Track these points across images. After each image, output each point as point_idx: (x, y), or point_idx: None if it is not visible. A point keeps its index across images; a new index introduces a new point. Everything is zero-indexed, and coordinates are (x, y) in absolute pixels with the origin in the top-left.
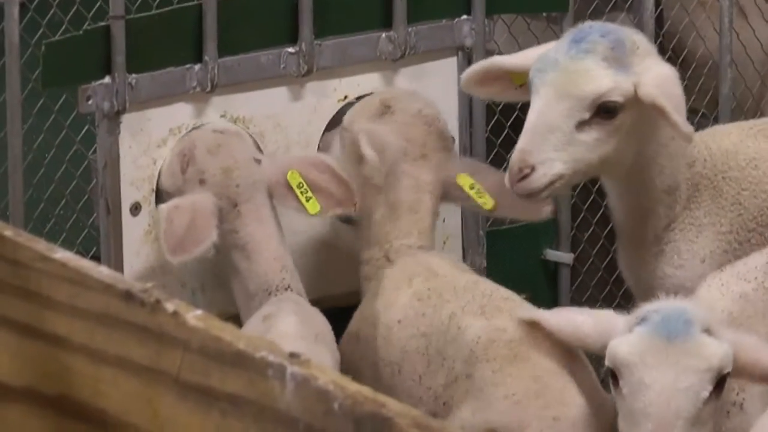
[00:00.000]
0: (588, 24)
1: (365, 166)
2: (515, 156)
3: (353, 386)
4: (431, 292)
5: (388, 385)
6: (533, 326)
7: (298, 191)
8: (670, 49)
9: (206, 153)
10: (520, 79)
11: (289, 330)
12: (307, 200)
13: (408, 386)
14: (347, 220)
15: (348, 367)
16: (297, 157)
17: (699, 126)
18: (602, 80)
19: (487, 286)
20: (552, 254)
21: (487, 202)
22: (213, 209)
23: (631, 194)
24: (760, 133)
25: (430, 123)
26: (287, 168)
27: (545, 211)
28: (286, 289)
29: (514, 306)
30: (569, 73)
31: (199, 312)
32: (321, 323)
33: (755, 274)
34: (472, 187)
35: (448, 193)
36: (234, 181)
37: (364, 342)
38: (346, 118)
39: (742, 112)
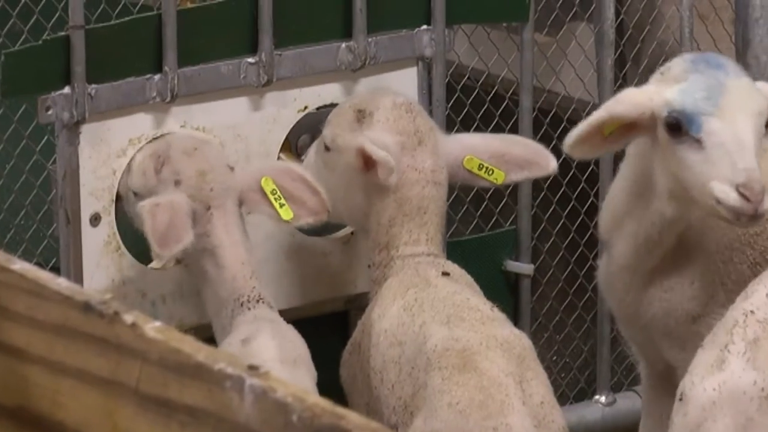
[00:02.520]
0: (689, 55)
1: (378, 170)
2: (751, 175)
3: (312, 398)
4: (416, 302)
5: (376, 395)
6: None
7: (271, 197)
8: (630, 58)
9: (182, 154)
10: (611, 128)
11: (269, 355)
12: (281, 206)
13: (385, 395)
14: (311, 232)
15: (347, 377)
16: (270, 164)
17: None
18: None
19: (462, 297)
20: (512, 265)
21: (497, 176)
22: (188, 210)
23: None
24: None
25: (409, 109)
26: (261, 175)
27: (552, 167)
28: (258, 301)
29: (478, 317)
30: (745, 92)
31: (158, 324)
32: (299, 345)
33: None
34: (480, 168)
35: (454, 175)
36: (208, 185)
37: (363, 351)
38: (327, 135)
39: None
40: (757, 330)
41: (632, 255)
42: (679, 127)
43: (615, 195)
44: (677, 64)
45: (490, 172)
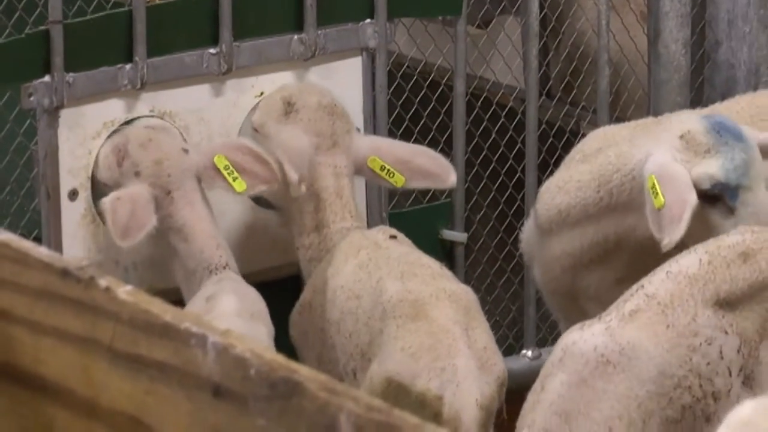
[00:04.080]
0: (706, 121)
1: (290, 187)
2: None
3: (268, 354)
4: (371, 261)
5: (331, 344)
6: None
7: (225, 172)
8: (553, 48)
9: (139, 147)
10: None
11: (229, 309)
12: (234, 180)
13: (342, 343)
14: (264, 204)
15: (297, 334)
16: (221, 142)
17: (580, 117)
18: None
19: (415, 256)
20: (448, 234)
21: (397, 180)
22: (149, 198)
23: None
24: None
25: (331, 112)
26: (213, 153)
27: (450, 180)
28: (224, 267)
29: (429, 272)
30: (759, 161)
31: (129, 287)
32: (257, 301)
33: None
34: (382, 169)
35: (360, 171)
36: (166, 171)
37: (315, 308)
38: (256, 120)
39: (619, 105)
40: (641, 303)
41: (579, 249)
42: (717, 197)
43: (569, 193)
44: (701, 134)
45: (391, 174)
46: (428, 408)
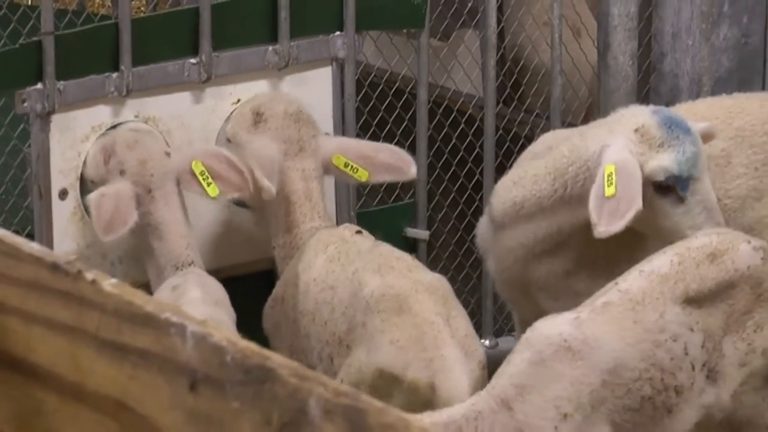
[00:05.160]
0: (656, 114)
1: (262, 192)
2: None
3: (243, 342)
4: (341, 254)
5: (305, 334)
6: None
7: (200, 178)
8: (510, 59)
9: (125, 148)
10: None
11: (194, 297)
12: (208, 185)
13: (317, 331)
14: (240, 204)
15: (270, 326)
16: (200, 149)
17: (534, 125)
18: None
19: (386, 248)
20: (411, 231)
21: (361, 175)
22: (132, 195)
23: None
24: None
25: (297, 119)
26: (192, 158)
27: (411, 172)
28: (189, 264)
29: (404, 265)
30: (704, 153)
31: (114, 280)
32: (219, 291)
33: None
34: (346, 165)
35: (327, 170)
36: (149, 171)
37: (287, 301)
38: (229, 131)
39: (570, 112)
40: (613, 297)
41: (532, 240)
42: (670, 188)
43: (524, 187)
44: (654, 128)
45: (355, 170)
46: (420, 396)
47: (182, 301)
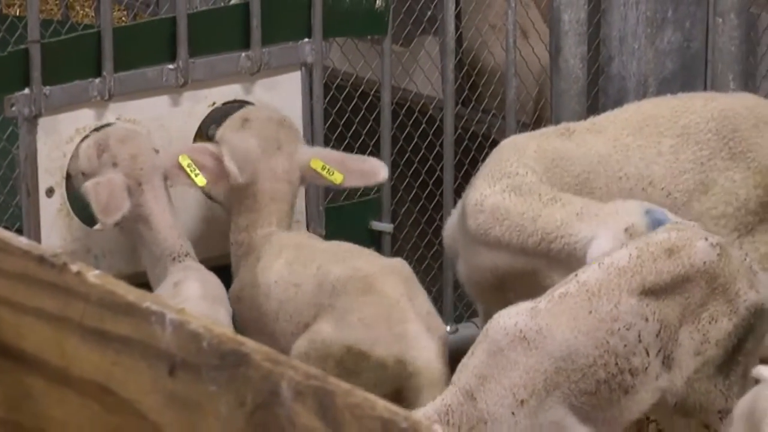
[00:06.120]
0: (641, 207)
1: (229, 176)
2: None
3: (219, 329)
4: (299, 255)
5: (269, 332)
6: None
7: (188, 170)
8: (467, 63)
9: (118, 142)
10: None
11: (194, 293)
12: (196, 176)
13: (283, 327)
14: (212, 198)
15: (239, 319)
16: (186, 145)
17: (490, 124)
18: None
19: (346, 245)
20: (376, 225)
21: (336, 177)
22: (124, 186)
23: None
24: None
25: (279, 122)
26: (178, 153)
27: (381, 176)
28: (186, 255)
29: (367, 253)
30: None
31: (97, 272)
32: (218, 287)
33: None
34: (323, 168)
35: (305, 176)
36: (139, 165)
37: (245, 301)
38: (217, 134)
39: (524, 112)
40: (571, 288)
41: (510, 265)
42: None
43: (511, 230)
44: (643, 230)
45: (331, 173)
46: (388, 371)
47: (182, 297)
